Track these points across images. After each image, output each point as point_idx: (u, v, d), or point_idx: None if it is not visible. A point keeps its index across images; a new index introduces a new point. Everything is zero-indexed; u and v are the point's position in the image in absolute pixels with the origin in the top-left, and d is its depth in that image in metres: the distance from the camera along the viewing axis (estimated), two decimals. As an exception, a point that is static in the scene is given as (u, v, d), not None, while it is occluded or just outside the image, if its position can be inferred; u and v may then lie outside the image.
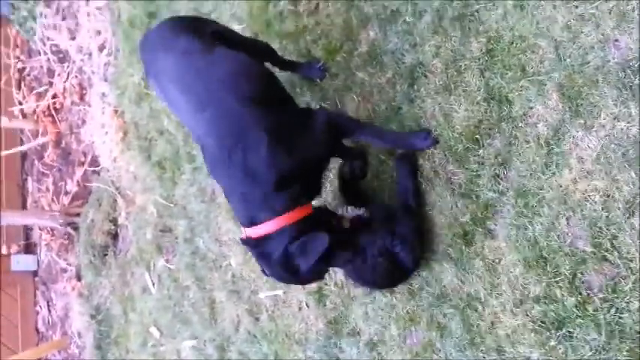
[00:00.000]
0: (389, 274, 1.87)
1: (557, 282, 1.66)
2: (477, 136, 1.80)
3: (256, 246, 1.69)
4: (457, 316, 1.91)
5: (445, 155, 1.90)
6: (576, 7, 1.57)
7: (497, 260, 1.80)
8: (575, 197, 1.61)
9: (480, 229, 1.82)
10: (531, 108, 1.68)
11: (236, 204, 1.74)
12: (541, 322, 1.70)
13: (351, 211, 1.88)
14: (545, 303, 1.68)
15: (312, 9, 2.30)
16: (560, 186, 1.64)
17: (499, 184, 1.77)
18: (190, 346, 2.91)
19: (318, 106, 2.28)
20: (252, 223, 1.69)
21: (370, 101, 2.12)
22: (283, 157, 1.66)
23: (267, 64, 2.06)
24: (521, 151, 1.71)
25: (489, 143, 1.78)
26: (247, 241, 1.72)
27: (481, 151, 1.80)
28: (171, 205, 3.03)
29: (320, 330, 2.33)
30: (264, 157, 1.63)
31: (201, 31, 1.86)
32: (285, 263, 1.65)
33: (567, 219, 1.63)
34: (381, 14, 2.05)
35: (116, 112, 3.41)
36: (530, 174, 1.69)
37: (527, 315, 1.73)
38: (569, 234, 1.63)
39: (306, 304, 2.39)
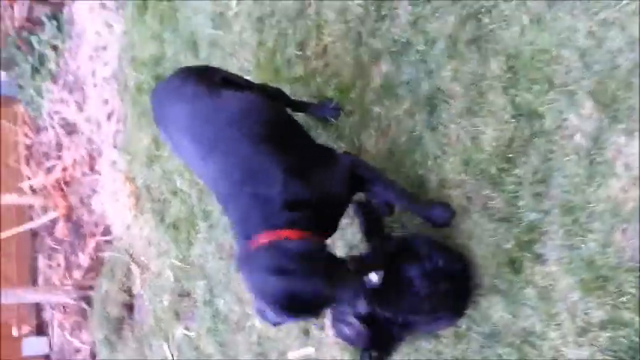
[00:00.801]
0: (448, 296, 1.71)
1: (623, 303, 1.50)
2: (510, 155, 1.72)
3: (247, 258, 1.50)
4: (513, 354, 1.74)
5: (477, 180, 1.81)
6: (596, 13, 1.54)
7: (550, 286, 1.65)
8: (627, 207, 1.50)
9: (528, 255, 1.69)
10: (565, 120, 1.61)
11: (239, 217, 1.58)
12: (612, 351, 1.53)
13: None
14: (613, 328, 1.52)
15: (319, 52, 2.30)
16: (610, 197, 1.53)
17: (542, 202, 1.66)
18: (217, 421, 2.69)
19: (334, 146, 2.24)
20: (249, 236, 1.52)
21: (388, 135, 2.06)
22: (297, 186, 1.55)
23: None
24: (561, 166, 1.61)
25: (524, 161, 1.69)
26: (240, 254, 1.54)
27: (517, 170, 1.71)
28: (188, 266, 2.91)
29: (359, 387, 2.14)
30: (277, 187, 1.52)
31: (210, 78, 1.85)
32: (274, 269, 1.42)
33: (623, 231, 1.51)
34: (391, 47, 2.04)
35: (127, 178, 3.38)
36: (575, 188, 1.58)
37: (594, 345, 1.57)
38: (628, 247, 1.50)
39: (342, 360, 2.21)
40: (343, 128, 2.20)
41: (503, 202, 1.75)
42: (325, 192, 1.61)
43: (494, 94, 1.75)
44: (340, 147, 2.22)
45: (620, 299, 1.51)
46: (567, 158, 1.60)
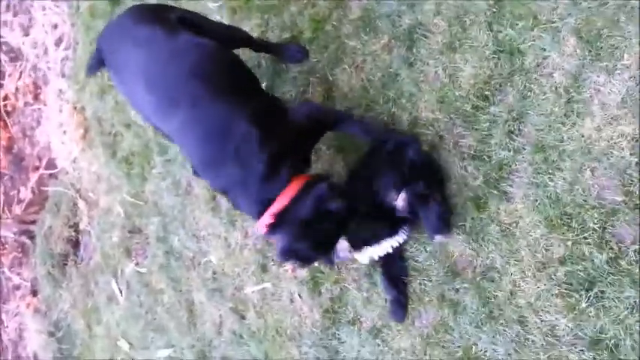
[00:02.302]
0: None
1: (584, 238, 1.45)
2: (487, 92, 1.60)
3: (281, 223, 1.51)
4: (471, 289, 1.67)
5: (451, 118, 1.68)
6: (586, -51, 1.43)
7: (514, 224, 1.58)
8: (599, 146, 1.43)
9: (495, 192, 1.60)
10: (546, 58, 1.51)
11: (243, 197, 1.56)
12: (568, 284, 1.49)
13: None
14: (572, 263, 1.48)
15: (296, -20, 2.06)
16: (583, 136, 1.46)
17: (513, 141, 1.56)
18: (166, 356, 2.48)
19: (306, 81, 2.03)
20: (267, 204, 1.52)
21: (364, 70, 1.88)
22: (272, 141, 1.53)
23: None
24: (538, 104, 1.52)
25: (501, 99, 1.58)
26: (271, 227, 1.53)
27: (492, 108, 1.60)
28: (141, 202, 2.62)
29: (316, 322, 2.01)
30: (256, 146, 1.51)
31: (165, 17, 1.65)
32: (319, 214, 1.50)
33: (592, 170, 1.44)
34: (373, -22, 1.84)
35: (75, 108, 2.97)
36: (549, 126, 1.50)
37: (552, 278, 1.52)
38: (595, 186, 1.44)
39: (299, 295, 2.07)
40: (316, 62, 1.99)
41: (474, 140, 1.64)
42: (294, 138, 1.60)
43: (477, 30, 1.61)
44: (312, 82, 2.02)
45: (583, 235, 1.46)
46: (544, 96, 1.51)
